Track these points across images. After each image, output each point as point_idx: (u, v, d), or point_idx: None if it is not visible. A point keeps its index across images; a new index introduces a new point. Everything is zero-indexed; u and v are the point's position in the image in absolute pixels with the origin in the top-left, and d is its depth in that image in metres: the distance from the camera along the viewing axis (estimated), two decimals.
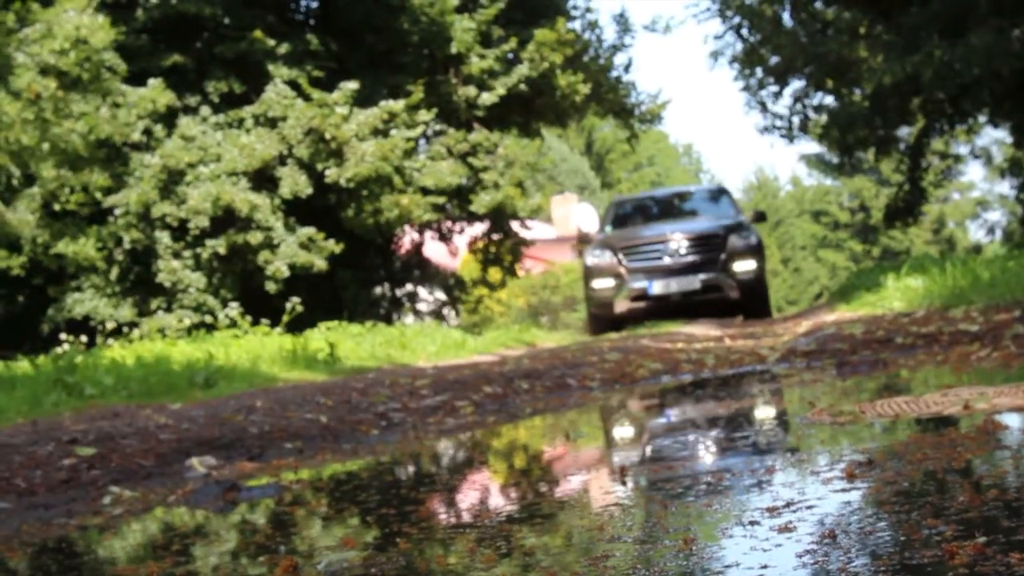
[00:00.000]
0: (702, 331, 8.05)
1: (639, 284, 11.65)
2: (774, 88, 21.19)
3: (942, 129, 20.90)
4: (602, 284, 11.92)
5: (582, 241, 13.66)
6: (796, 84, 20.81)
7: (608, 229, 13.29)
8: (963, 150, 41.08)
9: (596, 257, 12.13)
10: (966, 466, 1.92)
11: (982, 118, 20.10)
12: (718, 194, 14.09)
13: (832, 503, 1.74)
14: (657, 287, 11.57)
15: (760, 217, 13.33)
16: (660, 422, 3.24)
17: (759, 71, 20.91)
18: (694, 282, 11.53)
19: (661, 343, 6.79)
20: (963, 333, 4.50)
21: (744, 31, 20.49)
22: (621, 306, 11.78)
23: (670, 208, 13.94)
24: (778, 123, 21.65)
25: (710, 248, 11.75)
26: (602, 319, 12.15)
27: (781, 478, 2.01)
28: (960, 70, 14.91)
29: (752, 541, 1.55)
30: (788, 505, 1.75)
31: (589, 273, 12.14)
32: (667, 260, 11.69)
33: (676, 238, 11.80)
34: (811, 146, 41.52)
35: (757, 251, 12.06)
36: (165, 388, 5.80)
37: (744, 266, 11.78)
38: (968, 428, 2.32)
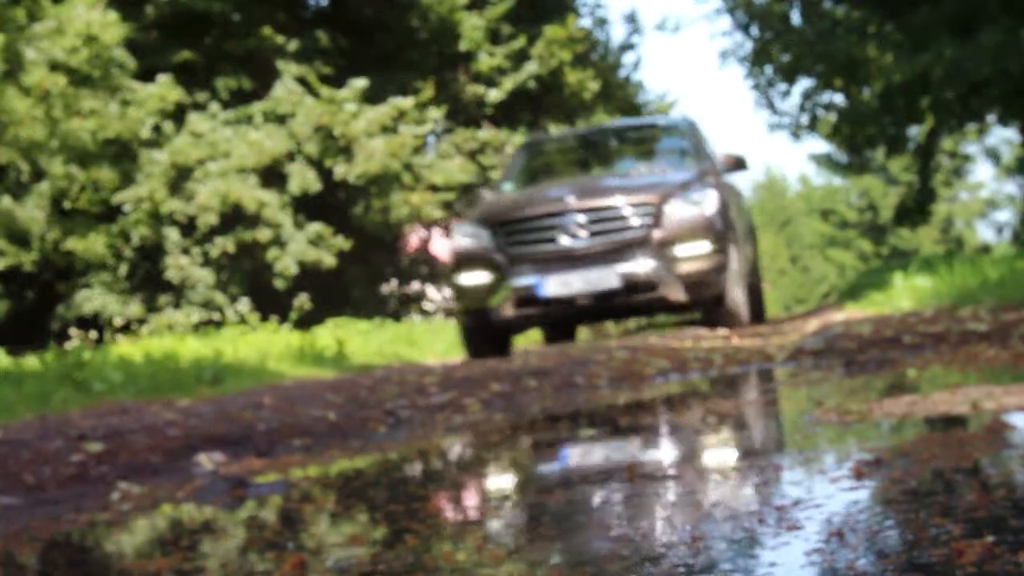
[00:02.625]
0: (709, 330, 8.07)
1: (525, 280, 7.66)
2: (783, 87, 21.17)
3: (951, 128, 20.86)
4: (472, 279, 7.85)
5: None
6: (805, 83, 20.78)
7: (508, 188, 9.14)
8: (972, 149, 41.02)
9: (465, 238, 8.03)
10: (974, 465, 1.92)
11: (991, 117, 20.05)
12: (679, 133, 9.70)
13: (840, 502, 1.74)
14: (552, 285, 7.60)
15: (737, 165, 9.13)
16: (668, 419, 3.24)
17: (768, 70, 20.88)
18: (609, 277, 7.54)
19: (668, 341, 6.80)
20: (971, 332, 4.49)
21: (753, 30, 20.47)
22: (501, 312, 7.78)
23: (603, 155, 9.90)
24: (787, 121, 21.63)
25: (637, 222, 7.67)
26: (477, 332, 8.08)
27: (788, 476, 2.01)
28: (969, 69, 14.87)
29: (760, 539, 1.55)
30: (796, 503, 1.76)
31: (454, 262, 8.05)
32: (567, 242, 7.65)
33: (582, 207, 7.72)
34: (820, 145, 41.45)
35: (717, 225, 7.79)
36: (173, 384, 5.82)
37: (692, 249, 7.67)
38: (976, 427, 2.31)
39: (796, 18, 20.30)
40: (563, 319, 8.32)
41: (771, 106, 21.56)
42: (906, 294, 8.77)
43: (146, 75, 13.93)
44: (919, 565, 1.32)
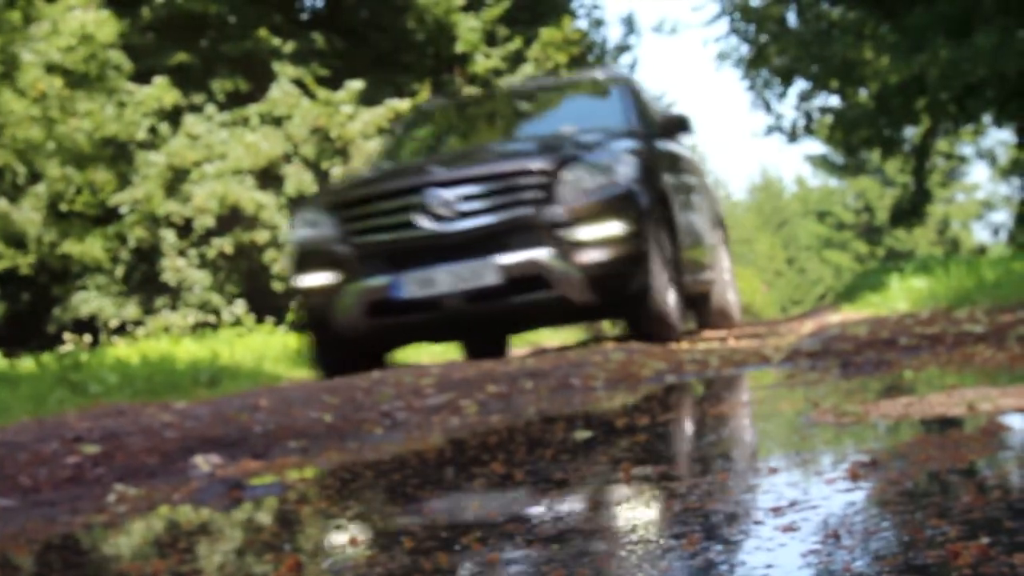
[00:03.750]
0: (705, 332, 8.06)
1: (377, 280, 5.94)
2: (779, 89, 21.19)
3: (947, 130, 20.90)
4: (312, 280, 6.19)
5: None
6: (801, 85, 20.80)
7: (386, 166, 7.27)
8: (968, 151, 41.08)
9: (303, 228, 6.33)
10: (970, 467, 1.92)
11: (987, 119, 20.08)
12: (606, 91, 7.69)
13: (836, 503, 1.75)
14: (411, 285, 5.87)
15: (676, 128, 7.37)
16: (663, 420, 3.24)
17: (764, 72, 20.91)
18: (485, 271, 5.80)
19: (664, 343, 6.79)
20: (968, 334, 4.50)
21: (750, 33, 20.50)
22: (350, 322, 6.03)
23: (507, 120, 7.98)
24: (783, 124, 21.66)
25: (524, 197, 5.91)
26: (325, 350, 6.36)
27: (785, 478, 2.02)
28: (965, 71, 14.89)
29: (756, 540, 1.55)
30: (792, 505, 1.76)
31: (293, 259, 6.40)
32: (429, 226, 5.90)
33: (450, 178, 6.02)
34: (816, 147, 41.53)
35: (636, 199, 6.03)
36: (170, 386, 5.81)
37: (598, 231, 5.91)
38: (972, 429, 2.32)
39: (792, 20, 20.33)
40: (429, 329, 6.30)
41: (767, 108, 21.58)
42: (902, 295, 8.78)
43: (142, 77, 13.92)
44: (915, 566, 1.32)
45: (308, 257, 6.26)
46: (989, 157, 40.50)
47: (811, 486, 1.91)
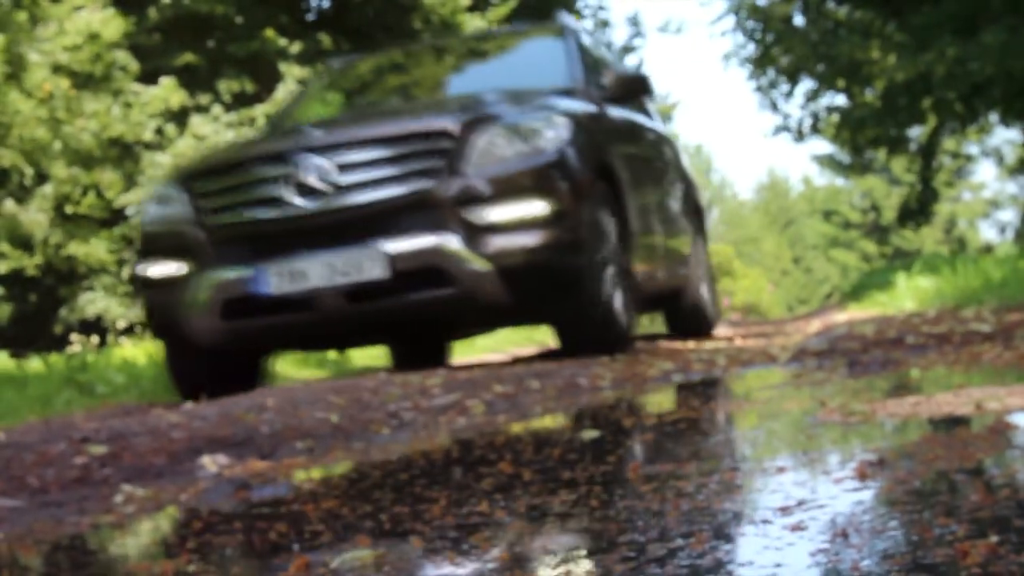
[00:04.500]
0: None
1: (235, 272, 4.87)
2: (786, 88, 21.18)
3: (953, 129, 20.85)
4: (160, 270, 5.09)
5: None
6: (808, 84, 20.79)
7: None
8: (974, 150, 41.01)
9: (153, 207, 5.21)
10: (978, 466, 1.92)
11: (993, 117, 20.04)
12: (546, 44, 6.45)
13: (844, 502, 1.74)
14: (276, 278, 4.78)
15: (632, 89, 6.01)
16: (671, 418, 3.24)
17: (771, 72, 20.91)
18: (368, 262, 4.69)
19: (671, 343, 6.79)
20: (975, 333, 4.49)
21: (756, 32, 20.49)
22: (203, 325, 4.94)
23: (427, 78, 6.65)
24: (790, 123, 21.66)
25: (420, 169, 4.77)
26: (179, 355, 5.20)
27: (792, 477, 2.01)
28: (972, 69, 14.87)
29: (765, 540, 1.55)
30: (800, 504, 1.76)
31: (140, 245, 5.35)
32: (299, 203, 4.80)
33: (326, 143, 4.89)
34: (823, 146, 41.46)
35: (568, 172, 4.91)
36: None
37: (517, 211, 4.79)
38: (980, 428, 2.31)
39: (799, 19, 20.32)
40: (299, 335, 5.07)
41: (774, 107, 21.57)
42: (909, 295, 8.77)
43: (149, 77, 13.94)
44: (923, 565, 1.32)
45: (153, 242, 5.07)
46: (996, 156, 40.42)
47: (819, 485, 1.91)
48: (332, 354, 8.45)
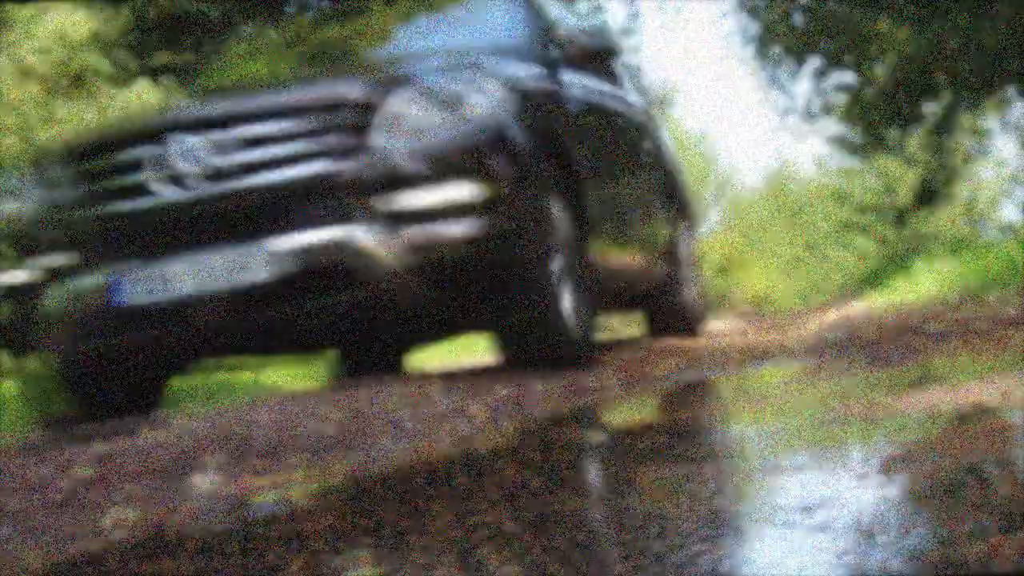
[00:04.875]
0: (723, 325, 7.95)
1: (92, 278, 3.98)
2: (792, 67, 21.02)
3: (970, 104, 20.65)
4: (7, 278, 4.23)
5: None
6: (815, 63, 20.62)
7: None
8: (993, 125, 40.73)
9: (4, 200, 4.37)
10: (1007, 457, 1.86)
11: (1011, 90, 19.87)
12: (491, 3, 5.43)
13: (869, 499, 1.69)
14: (138, 285, 3.89)
15: (596, 51, 5.21)
16: (684, 417, 3.18)
17: (776, 50, 20.75)
18: (251, 262, 3.80)
19: (682, 338, 6.71)
20: (1000, 318, 4.42)
21: (760, 7, 20.34)
22: (60, 343, 4.15)
23: (354, 44, 5.71)
24: (798, 104, 21.50)
25: (319, 147, 3.87)
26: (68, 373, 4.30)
27: (814, 475, 1.96)
28: (986, 40, 14.71)
29: (788, 542, 1.50)
30: (823, 503, 1.70)
31: None
32: (169, 194, 3.91)
33: (205, 120, 3.99)
34: (833, 127, 41.30)
35: (504, 145, 4.01)
36: (166, 401, 5.69)
37: (441, 196, 3.87)
38: (1008, 417, 2.25)
39: None
40: (172, 352, 4.20)
41: (781, 87, 21.42)
42: (929, 280, 8.67)
43: (126, 80, 13.93)
44: (955, 563, 1.27)
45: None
46: (1018, 131, 40.15)
47: (841, 482, 1.85)
48: (331, 362, 8.38)
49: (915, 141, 29.28)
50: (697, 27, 52.87)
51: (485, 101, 4.01)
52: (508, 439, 2.90)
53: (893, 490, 1.74)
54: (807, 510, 1.66)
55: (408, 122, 3.89)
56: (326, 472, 2.58)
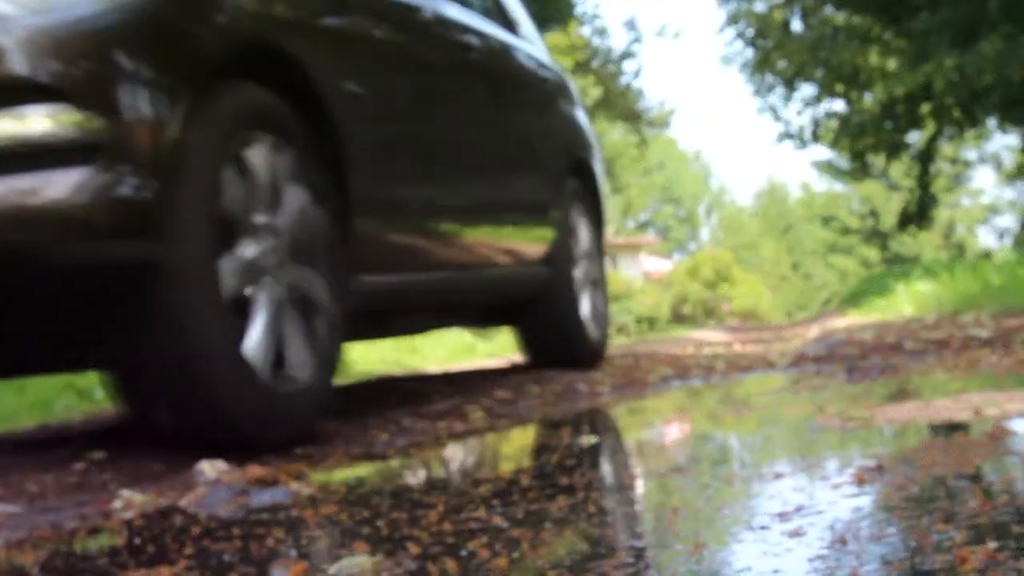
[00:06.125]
0: (711, 336, 8.03)
1: None
2: (784, 94, 21.22)
3: (952, 135, 20.89)
4: None
5: None
6: (807, 91, 20.82)
7: None
8: (973, 155, 41.04)
9: None
10: (976, 472, 1.92)
11: (991, 123, 20.07)
12: None
13: (842, 508, 1.74)
14: None
15: None
16: (670, 424, 3.24)
17: (769, 77, 20.94)
18: None
19: (670, 348, 6.79)
20: (974, 339, 4.50)
21: (754, 38, 20.52)
22: None
23: None
24: (793, 129, 21.70)
25: None
26: None
27: (791, 482, 2.01)
28: (971, 77, 14.89)
29: (763, 545, 1.55)
30: (798, 510, 1.75)
31: None
32: None
33: None
34: (822, 152, 41.53)
35: (156, 44, 2.31)
36: None
37: (10, 126, 2.08)
38: (978, 434, 2.31)
39: (797, 25, 20.35)
40: None
41: (774, 114, 21.61)
42: (908, 300, 8.77)
43: None
44: (922, 571, 1.32)
45: None
46: (994, 161, 40.47)
47: (817, 491, 1.90)
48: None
49: (899, 168, 29.42)
50: (695, 52, 52.93)
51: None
52: (502, 439, 2.95)
53: (866, 499, 1.79)
54: (783, 516, 1.71)
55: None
56: (327, 464, 2.64)
